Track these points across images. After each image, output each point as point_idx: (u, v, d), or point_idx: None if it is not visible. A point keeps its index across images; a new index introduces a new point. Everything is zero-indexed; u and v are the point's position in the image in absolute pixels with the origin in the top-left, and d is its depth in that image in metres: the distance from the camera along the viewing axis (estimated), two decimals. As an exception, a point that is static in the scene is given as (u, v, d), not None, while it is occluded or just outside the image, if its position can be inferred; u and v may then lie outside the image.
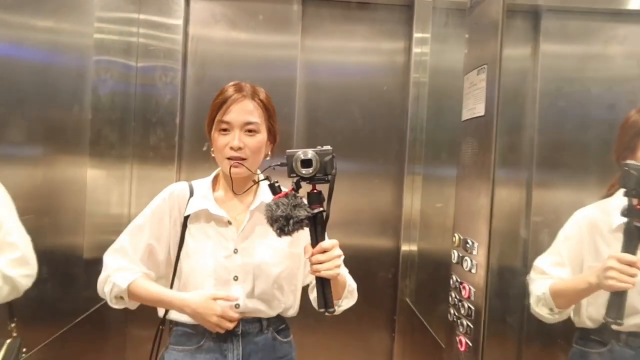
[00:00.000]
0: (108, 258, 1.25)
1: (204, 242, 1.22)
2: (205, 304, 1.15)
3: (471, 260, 1.25)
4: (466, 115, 1.34)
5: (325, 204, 1.06)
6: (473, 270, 1.24)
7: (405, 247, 2.14)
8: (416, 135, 2.09)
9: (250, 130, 1.20)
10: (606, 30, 1.88)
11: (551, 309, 1.28)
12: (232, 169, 1.18)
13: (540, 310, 1.30)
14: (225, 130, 1.20)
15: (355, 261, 2.18)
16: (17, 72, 1.99)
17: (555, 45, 1.99)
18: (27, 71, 1.99)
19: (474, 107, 1.29)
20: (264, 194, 1.26)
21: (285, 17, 2.05)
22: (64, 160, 2.02)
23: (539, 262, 1.36)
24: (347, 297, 1.27)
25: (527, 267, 1.60)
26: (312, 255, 1.06)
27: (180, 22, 1.98)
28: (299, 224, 1.02)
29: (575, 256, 1.31)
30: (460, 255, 1.32)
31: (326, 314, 1.08)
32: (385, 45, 2.15)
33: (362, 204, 2.16)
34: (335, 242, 1.09)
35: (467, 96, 1.34)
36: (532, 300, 1.33)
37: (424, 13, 2.07)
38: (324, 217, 1.06)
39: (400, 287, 2.14)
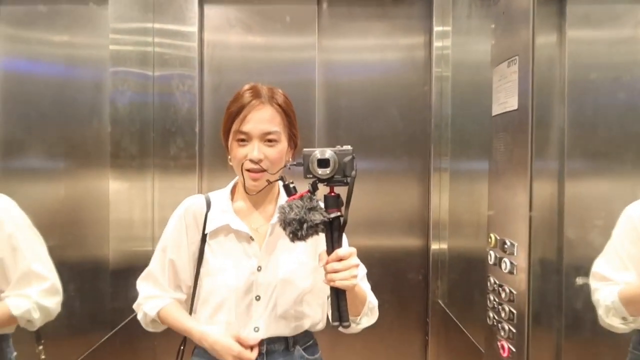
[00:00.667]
0: (140, 285, 1.23)
1: (225, 259, 1.16)
2: (223, 341, 1.09)
3: (510, 262, 1.19)
4: (497, 109, 1.28)
5: (343, 208, 0.99)
6: (513, 272, 1.18)
7: (435, 246, 2.09)
8: (441, 132, 2.03)
9: (270, 140, 1.12)
10: (636, 12, 1.79)
11: (624, 318, 1.17)
12: (251, 183, 1.13)
13: (612, 321, 1.18)
14: (243, 140, 1.12)
15: (383, 263, 2.16)
16: (35, 87, 1.99)
17: (582, 31, 1.90)
18: (44, 86, 1.99)
19: (506, 101, 1.23)
20: None
21: (301, 18, 2.01)
22: (86, 173, 2.02)
23: (599, 267, 1.24)
24: (367, 314, 1.17)
25: (566, 265, 1.53)
26: (327, 263, 0.98)
27: (195, 29, 1.96)
28: (313, 229, 0.96)
29: (636, 256, 1.20)
30: (498, 256, 1.26)
31: (340, 328, 1.01)
32: (405, 41, 2.10)
33: (387, 203, 2.11)
34: (352, 250, 1.01)
35: (498, 90, 1.28)
36: (601, 312, 1.20)
37: (443, 5, 2.00)
38: (342, 222, 0.99)
39: (431, 288, 2.09)
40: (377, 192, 2.09)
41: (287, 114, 1.16)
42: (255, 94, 1.13)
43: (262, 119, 1.11)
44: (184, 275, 1.19)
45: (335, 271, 0.97)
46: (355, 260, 1.00)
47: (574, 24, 1.86)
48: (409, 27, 2.09)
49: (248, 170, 1.11)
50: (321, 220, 0.95)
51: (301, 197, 0.97)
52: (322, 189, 1.00)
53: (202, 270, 1.16)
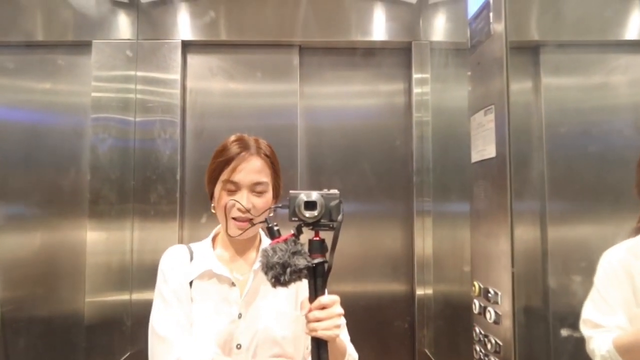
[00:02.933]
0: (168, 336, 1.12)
1: (206, 305, 1.14)
2: None
3: (495, 312, 1.17)
4: (476, 157, 1.29)
5: (328, 254, 0.97)
6: (498, 322, 1.16)
7: (420, 292, 2.05)
8: (423, 176, 2.04)
9: (259, 191, 1.14)
10: (608, 60, 1.86)
11: None
12: (237, 231, 1.12)
13: None
14: (231, 190, 1.13)
15: (368, 310, 2.12)
16: (13, 134, 1.98)
17: (557, 79, 1.96)
18: (23, 133, 1.98)
19: (484, 148, 1.24)
20: None
21: (283, 66, 2.04)
22: (63, 222, 1.97)
23: (588, 314, 1.22)
24: None
25: (552, 313, 1.51)
26: (310, 311, 0.95)
27: (177, 76, 1.97)
28: (297, 274, 0.92)
29: (622, 300, 1.19)
30: (482, 305, 1.24)
31: None
32: (385, 88, 2.13)
33: (371, 248, 2.09)
34: (336, 298, 0.98)
35: (476, 137, 1.29)
36: None
37: (422, 55, 2.06)
38: (326, 268, 0.96)
39: (418, 336, 2.03)
40: (360, 237, 2.07)
41: (274, 164, 1.19)
42: (244, 145, 1.16)
43: (252, 169, 1.13)
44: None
45: (318, 320, 0.94)
46: (339, 309, 0.97)
47: (548, 72, 1.92)
48: (389, 75, 2.13)
49: (234, 219, 1.12)
50: (305, 265, 0.93)
51: (285, 241, 0.95)
52: (307, 234, 0.98)
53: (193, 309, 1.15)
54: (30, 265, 1.96)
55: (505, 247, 1.13)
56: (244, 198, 1.11)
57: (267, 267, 0.92)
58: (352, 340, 1.20)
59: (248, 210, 1.11)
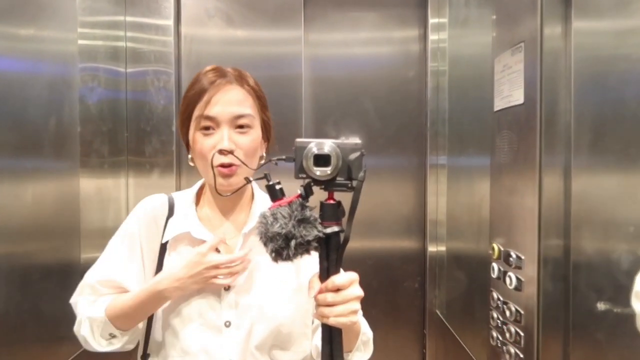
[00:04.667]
0: (76, 300, 1.02)
1: None
2: (187, 259, 0.91)
3: (517, 277, 1.05)
4: (500, 104, 1.14)
5: (345, 220, 0.77)
6: (520, 289, 1.04)
7: (432, 248, 1.94)
8: (438, 128, 1.89)
9: (242, 126, 0.93)
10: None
11: None
12: (223, 181, 0.92)
13: None
14: (207, 128, 0.93)
15: (377, 269, 2.01)
16: (-1, 84, 1.85)
17: (589, 21, 1.77)
18: (8, 83, 1.84)
19: (510, 94, 1.09)
20: (262, 209, 0.96)
21: (286, 7, 1.86)
22: (55, 175, 1.87)
23: None
24: (360, 349, 0.96)
25: (582, 281, 1.38)
26: (320, 292, 0.77)
27: (170, 22, 1.81)
28: (303, 248, 0.73)
29: None
30: (502, 269, 1.12)
31: None
32: (398, 34, 1.95)
33: (381, 203, 1.97)
34: (354, 276, 0.79)
35: (500, 82, 1.14)
36: None
37: (439, -7, 1.86)
38: (342, 240, 0.76)
39: (429, 297, 1.94)
40: (370, 192, 1.93)
41: (259, 96, 0.99)
42: (221, 73, 0.96)
43: (232, 100, 0.93)
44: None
45: (331, 304, 0.76)
46: (357, 290, 0.78)
47: (580, 14, 1.73)
48: (402, 18, 1.94)
49: (219, 167, 0.92)
50: (315, 236, 0.73)
51: (289, 204, 0.75)
52: (318, 194, 0.79)
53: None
54: (21, 221, 1.88)
55: (531, 205, 1.00)
56: (224, 137, 0.91)
57: (267, 238, 0.74)
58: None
59: (232, 152, 0.91)
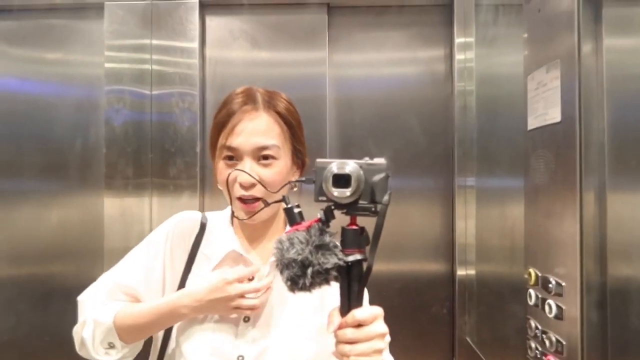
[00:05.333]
0: (84, 298, 0.97)
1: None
2: (210, 280, 0.87)
3: (557, 305, 0.99)
4: (534, 123, 1.10)
5: (368, 248, 0.71)
6: (561, 318, 0.98)
7: (461, 272, 1.87)
8: (465, 148, 1.84)
9: (266, 157, 0.89)
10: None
11: None
12: (245, 215, 0.89)
13: None
14: (230, 158, 0.89)
15: (403, 293, 1.95)
16: (26, 106, 1.88)
17: (622, 38, 1.72)
18: (35, 105, 1.88)
19: (545, 112, 1.04)
20: None
21: (311, 29, 1.86)
22: (79, 198, 1.88)
23: None
24: None
25: (617, 304, 1.31)
26: (340, 328, 0.70)
27: (195, 44, 1.81)
28: (322, 277, 0.67)
29: None
30: (541, 296, 1.06)
31: None
32: (423, 54, 1.93)
33: (407, 225, 1.91)
34: (377, 311, 0.72)
35: (534, 100, 1.10)
36: None
37: (465, 12, 1.83)
38: (365, 269, 0.70)
39: (458, 323, 1.87)
40: (396, 214, 1.89)
41: (289, 123, 0.92)
42: (249, 97, 0.90)
43: (256, 130, 0.88)
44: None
45: (352, 342, 0.69)
46: (381, 327, 0.71)
47: (611, 30, 1.68)
48: (428, 38, 1.92)
49: (239, 199, 0.88)
50: (334, 264, 0.68)
51: (308, 229, 0.70)
52: (341, 219, 0.73)
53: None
54: (46, 242, 1.89)
55: (572, 229, 0.94)
56: (246, 169, 0.87)
57: (282, 265, 0.69)
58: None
59: (252, 186, 0.87)
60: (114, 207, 1.81)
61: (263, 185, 0.88)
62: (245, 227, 0.97)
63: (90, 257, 1.86)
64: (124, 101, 1.80)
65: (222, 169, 0.90)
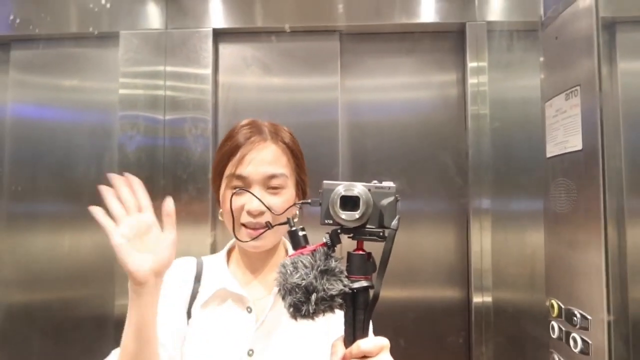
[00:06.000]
0: None
1: (210, 335, 0.90)
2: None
3: (582, 339, 0.95)
4: (554, 150, 1.08)
5: (375, 275, 0.69)
6: (588, 353, 0.94)
7: (477, 299, 1.81)
8: (480, 174, 1.81)
9: (275, 187, 0.90)
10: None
11: None
12: (251, 243, 0.88)
13: None
14: (239, 187, 0.89)
15: (417, 322, 1.91)
16: (42, 133, 1.90)
17: (633, 62, 1.71)
18: (51, 132, 1.89)
19: (566, 140, 1.02)
20: None
21: (323, 55, 1.87)
22: (92, 224, 1.87)
23: None
24: None
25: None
26: (344, 359, 0.68)
27: (209, 71, 1.83)
28: (326, 304, 0.65)
29: None
30: (564, 329, 1.02)
31: None
32: (436, 78, 1.92)
33: (421, 252, 1.87)
34: (383, 342, 0.69)
35: (553, 127, 1.08)
36: None
37: (477, 38, 1.83)
38: (371, 297, 0.68)
39: (475, 353, 1.81)
40: (409, 240, 1.86)
41: (295, 154, 0.95)
42: (256, 128, 0.92)
43: (265, 159, 0.89)
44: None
45: None
46: (387, 358, 0.69)
47: (626, 54, 1.67)
48: (440, 63, 1.92)
49: (244, 226, 0.88)
50: (340, 290, 0.65)
51: (312, 253, 0.68)
52: (347, 244, 0.71)
53: (184, 349, 0.90)
54: (59, 267, 1.88)
55: (597, 260, 0.92)
56: (253, 199, 0.87)
57: (285, 290, 0.67)
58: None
59: (261, 214, 0.87)
60: (125, 233, 1.80)
61: (272, 212, 0.88)
62: (246, 258, 0.96)
63: (102, 283, 1.84)
64: (137, 127, 1.80)
65: (229, 198, 0.89)
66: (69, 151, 1.89)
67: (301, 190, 0.97)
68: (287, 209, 0.87)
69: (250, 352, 0.88)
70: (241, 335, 0.89)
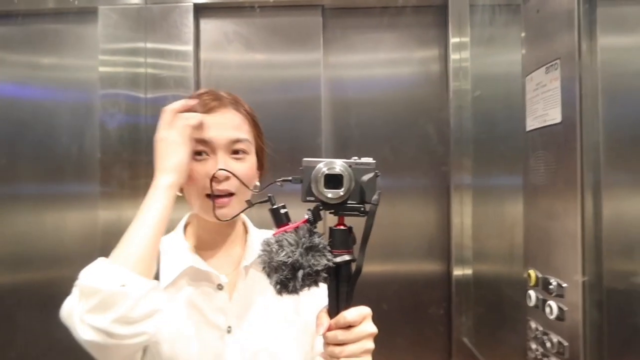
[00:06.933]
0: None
1: (183, 319, 0.86)
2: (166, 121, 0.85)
3: (558, 307, 0.99)
4: (533, 124, 1.10)
5: (356, 248, 0.71)
6: (562, 319, 0.98)
7: (457, 272, 1.86)
8: (462, 149, 1.84)
9: (238, 152, 0.87)
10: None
11: None
12: (219, 210, 0.83)
13: None
14: (200, 154, 0.85)
15: (399, 294, 1.95)
16: (21, 112, 1.86)
17: (615, 37, 1.73)
18: (31, 110, 1.86)
19: (545, 113, 1.04)
20: (259, 243, 0.86)
21: (306, 30, 1.85)
22: (75, 203, 1.86)
23: None
24: None
25: (613, 303, 1.32)
26: (330, 330, 0.70)
27: (190, 47, 1.80)
28: (312, 279, 0.67)
29: None
30: (541, 297, 1.06)
31: None
32: (418, 54, 1.93)
33: (402, 226, 1.90)
34: (366, 311, 0.72)
35: (533, 100, 1.10)
36: None
37: (460, 13, 1.83)
38: (354, 270, 0.70)
39: (455, 323, 1.86)
40: (392, 213, 1.89)
41: (256, 123, 0.92)
42: (215, 96, 0.89)
43: (228, 124, 0.86)
44: None
45: (341, 343, 0.69)
46: (370, 327, 0.72)
47: (606, 28, 1.69)
48: (422, 39, 1.92)
49: (209, 197, 0.83)
50: (325, 265, 0.67)
51: (296, 230, 0.69)
52: (329, 220, 0.73)
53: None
54: (41, 247, 1.87)
55: (573, 229, 0.95)
56: (220, 162, 0.84)
57: (270, 268, 0.67)
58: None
59: (227, 178, 0.83)
60: (109, 210, 1.80)
61: (238, 178, 0.85)
62: (206, 232, 0.92)
63: (86, 262, 1.83)
64: (118, 105, 1.78)
65: (191, 167, 0.85)
66: (50, 130, 1.86)
67: (261, 161, 0.95)
68: (267, 185, 0.83)
69: (229, 329, 0.87)
70: (216, 313, 0.88)
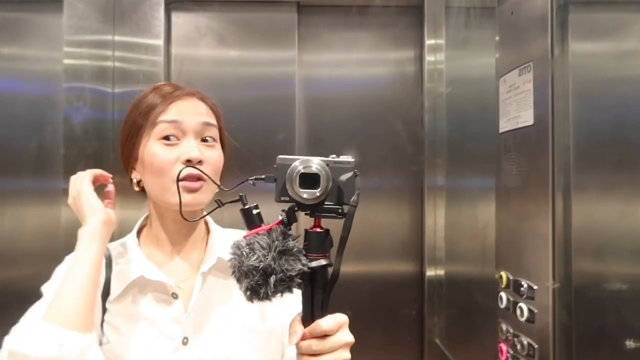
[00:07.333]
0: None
1: (135, 332, 0.81)
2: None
3: (529, 309, 0.99)
4: (506, 125, 1.10)
5: (333, 252, 0.67)
6: (533, 321, 0.98)
7: (430, 272, 1.87)
8: (435, 151, 1.84)
9: (208, 140, 0.84)
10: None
11: None
12: (190, 198, 0.79)
13: None
14: (168, 138, 0.81)
15: (372, 295, 1.94)
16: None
17: (586, 43, 1.75)
18: (-10, 103, 1.78)
19: (518, 115, 1.04)
20: (221, 246, 0.85)
21: (279, 27, 1.82)
22: (36, 199, 1.79)
23: None
24: None
25: (582, 305, 1.33)
26: (304, 339, 0.66)
27: (160, 41, 1.74)
28: (285, 285, 0.63)
29: None
30: (512, 300, 1.06)
31: None
32: (393, 55, 1.92)
33: (376, 227, 1.89)
34: (342, 319, 0.68)
35: (506, 102, 1.10)
36: None
37: (435, 15, 1.83)
38: (331, 276, 0.66)
39: (427, 325, 1.87)
40: (365, 214, 1.88)
41: (218, 115, 0.90)
42: (176, 87, 0.86)
43: (197, 110, 0.84)
44: None
45: (316, 354, 0.65)
46: (347, 336, 0.68)
47: (577, 34, 1.71)
48: (398, 40, 1.91)
49: (182, 181, 0.78)
50: (299, 270, 0.63)
51: (268, 232, 0.64)
52: (304, 222, 0.70)
53: (103, 348, 0.79)
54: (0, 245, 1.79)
55: (544, 232, 0.95)
56: (192, 146, 0.80)
57: (240, 273, 0.63)
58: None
59: (200, 163, 0.79)
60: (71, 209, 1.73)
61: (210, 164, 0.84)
62: (166, 232, 0.88)
63: (47, 261, 1.76)
64: (84, 99, 1.71)
65: (158, 151, 0.81)
66: (8, 122, 1.78)
67: (224, 152, 0.92)
68: (240, 184, 0.76)
69: (185, 341, 0.82)
70: (170, 324, 0.82)
